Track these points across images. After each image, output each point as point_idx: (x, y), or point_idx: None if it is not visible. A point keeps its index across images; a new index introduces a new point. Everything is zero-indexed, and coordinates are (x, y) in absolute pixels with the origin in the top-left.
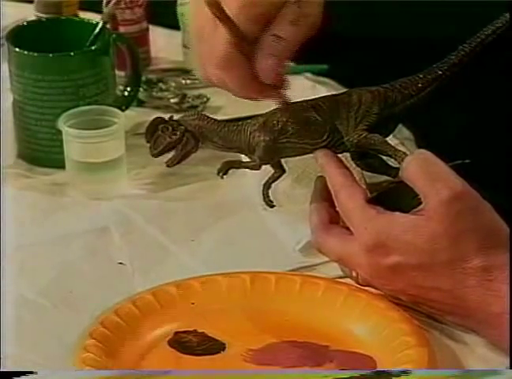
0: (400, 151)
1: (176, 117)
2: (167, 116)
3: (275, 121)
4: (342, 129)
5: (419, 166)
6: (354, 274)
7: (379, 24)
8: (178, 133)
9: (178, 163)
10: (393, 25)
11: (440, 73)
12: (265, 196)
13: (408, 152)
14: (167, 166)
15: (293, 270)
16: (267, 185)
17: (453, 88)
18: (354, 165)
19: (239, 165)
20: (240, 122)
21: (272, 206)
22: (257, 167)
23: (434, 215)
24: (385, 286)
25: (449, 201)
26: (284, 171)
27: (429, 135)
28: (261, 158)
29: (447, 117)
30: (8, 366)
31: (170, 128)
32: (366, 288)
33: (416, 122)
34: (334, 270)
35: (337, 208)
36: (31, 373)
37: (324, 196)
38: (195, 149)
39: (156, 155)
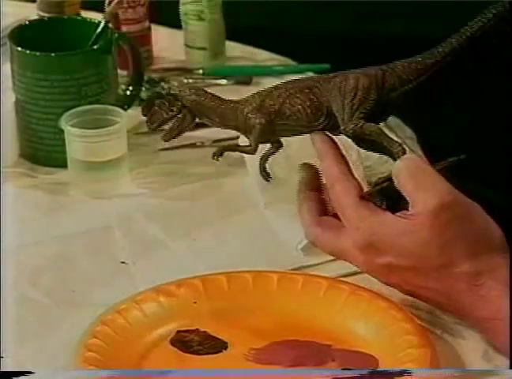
0: (396, 142)
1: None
2: (164, 91)
3: (272, 102)
4: (338, 117)
5: (407, 173)
6: None
7: (379, 24)
8: (175, 108)
9: (173, 137)
10: (393, 25)
11: (439, 57)
12: (262, 169)
13: (403, 144)
14: (164, 140)
15: (295, 269)
16: (264, 158)
17: (454, 88)
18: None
19: (235, 148)
20: (237, 100)
21: (268, 179)
22: (253, 151)
23: (423, 224)
24: (381, 280)
25: (437, 211)
26: (281, 145)
27: (430, 134)
28: (256, 141)
29: (448, 117)
30: (8, 366)
31: (167, 103)
32: (368, 287)
33: (417, 122)
34: (336, 269)
35: (325, 196)
36: (31, 373)
37: (312, 185)
38: (192, 125)
39: (152, 130)
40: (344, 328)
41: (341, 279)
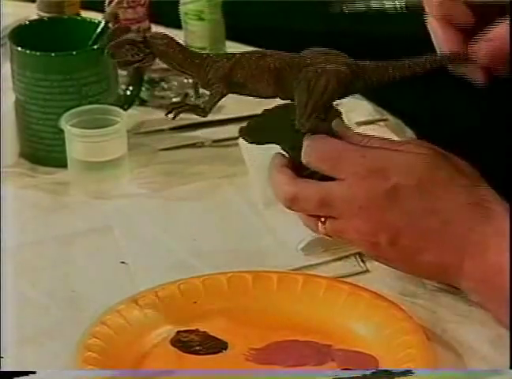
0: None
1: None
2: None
3: (238, 74)
4: (298, 110)
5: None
6: (321, 228)
7: (379, 24)
8: (141, 55)
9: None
10: (393, 25)
11: (408, 72)
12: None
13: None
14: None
15: (295, 269)
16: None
17: (454, 89)
18: None
19: (189, 108)
20: (205, 58)
21: (204, 115)
22: (205, 114)
23: (428, 144)
24: (376, 219)
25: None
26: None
27: (431, 134)
28: (211, 106)
29: (448, 117)
30: (8, 366)
31: (135, 49)
32: (368, 287)
33: (417, 121)
34: (336, 269)
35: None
36: (31, 373)
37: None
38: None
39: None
40: (344, 328)
41: (341, 279)
